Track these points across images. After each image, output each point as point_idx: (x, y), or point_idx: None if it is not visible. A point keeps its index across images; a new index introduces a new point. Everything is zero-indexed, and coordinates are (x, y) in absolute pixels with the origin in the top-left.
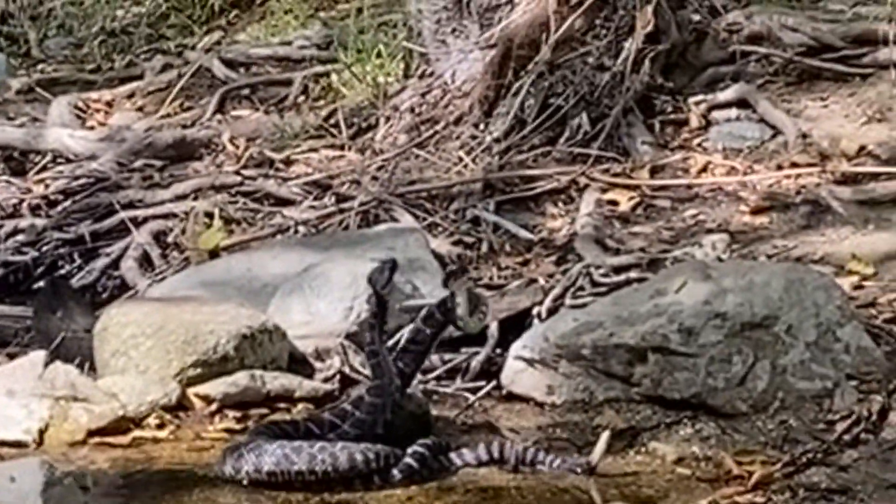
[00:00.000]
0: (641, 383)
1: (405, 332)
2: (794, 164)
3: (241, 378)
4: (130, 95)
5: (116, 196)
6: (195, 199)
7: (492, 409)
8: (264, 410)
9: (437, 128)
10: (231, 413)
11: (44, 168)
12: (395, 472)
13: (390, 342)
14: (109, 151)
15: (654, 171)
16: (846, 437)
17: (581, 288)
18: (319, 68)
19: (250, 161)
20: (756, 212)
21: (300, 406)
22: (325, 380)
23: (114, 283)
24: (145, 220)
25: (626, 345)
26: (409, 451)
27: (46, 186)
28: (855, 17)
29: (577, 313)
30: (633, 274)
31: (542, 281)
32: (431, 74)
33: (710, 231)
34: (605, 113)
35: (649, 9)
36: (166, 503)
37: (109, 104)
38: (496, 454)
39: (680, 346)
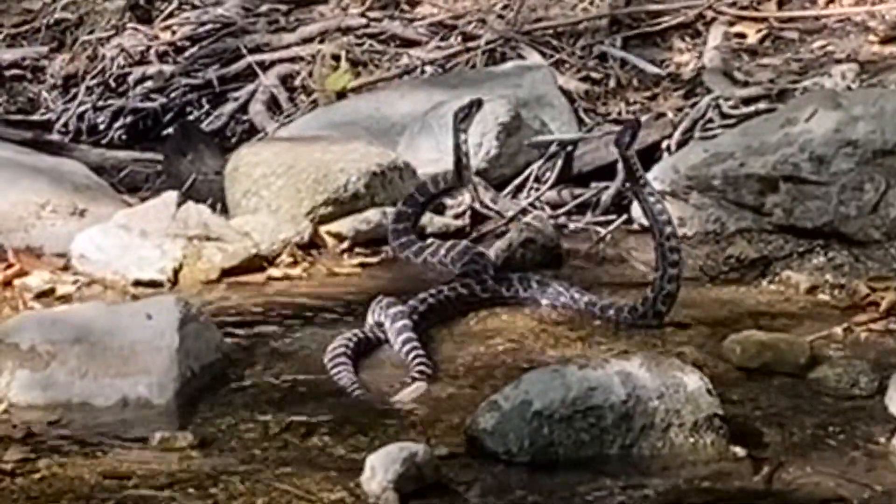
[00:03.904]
0: (773, 213)
1: None
2: None
3: (372, 215)
4: None
5: (243, 41)
6: (321, 41)
7: (622, 241)
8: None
9: None
10: (363, 249)
11: (170, 15)
12: None
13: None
14: None
15: (782, 3)
16: None
17: (710, 120)
18: None
19: (375, 3)
20: (885, 41)
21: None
22: (456, 216)
23: (242, 127)
24: (272, 63)
25: (756, 174)
26: None
27: (173, 33)
28: None
29: (706, 145)
30: (762, 105)
31: (670, 115)
32: None
33: (838, 62)
34: None
35: None
36: (302, 338)
37: None
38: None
39: (811, 175)
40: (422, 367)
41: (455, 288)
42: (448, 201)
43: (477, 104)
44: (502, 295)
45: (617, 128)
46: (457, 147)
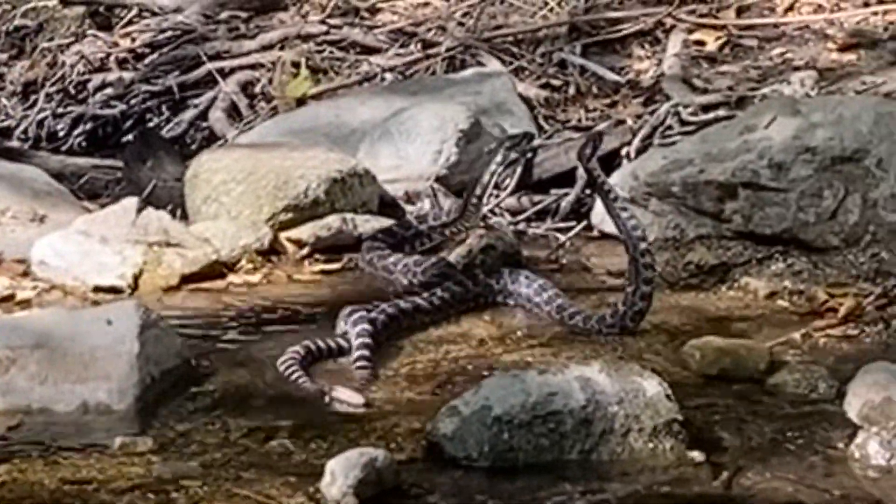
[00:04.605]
0: (732, 219)
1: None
2: (882, 1)
3: (332, 221)
4: None
5: (203, 48)
6: (281, 48)
7: (583, 248)
8: (356, 254)
9: None
10: (323, 256)
11: (130, 22)
12: None
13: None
14: (195, 4)
15: (741, 11)
16: None
17: (669, 127)
18: None
19: (335, 10)
20: (843, 49)
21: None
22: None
23: (202, 133)
24: (232, 70)
25: (715, 181)
26: None
27: (133, 40)
28: None
29: (665, 151)
30: (721, 112)
31: (629, 122)
32: None
33: (797, 69)
34: None
35: None
36: (262, 343)
37: None
38: None
39: (770, 182)
40: (363, 371)
41: (448, 287)
42: (407, 207)
43: (529, 137)
44: (493, 288)
45: (576, 135)
46: (483, 178)
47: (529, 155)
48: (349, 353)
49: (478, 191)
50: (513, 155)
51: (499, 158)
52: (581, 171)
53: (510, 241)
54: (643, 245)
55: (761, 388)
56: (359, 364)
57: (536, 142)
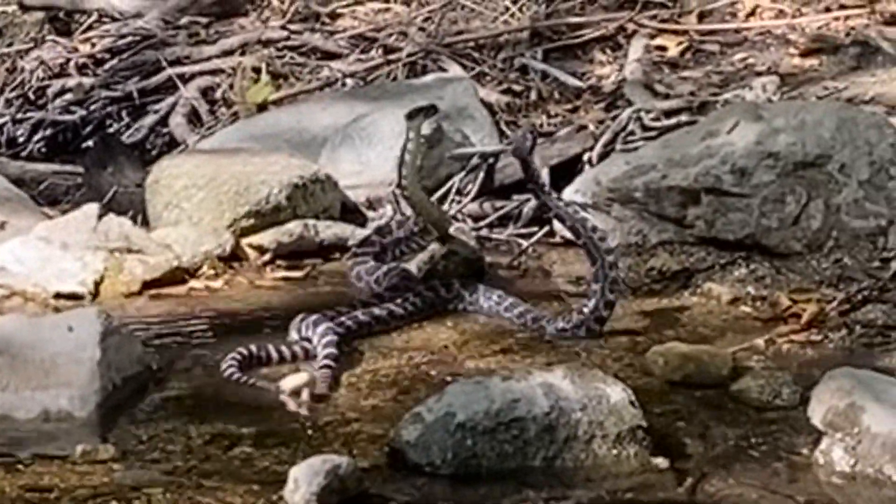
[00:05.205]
0: (694, 225)
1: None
2: (843, 6)
3: (294, 227)
4: None
5: (163, 53)
6: (242, 54)
7: (545, 254)
8: (317, 260)
9: None
10: (284, 262)
11: (90, 27)
12: None
13: (441, 191)
14: (155, 9)
15: (702, 16)
16: None
17: (631, 133)
18: None
19: (296, 15)
20: (805, 54)
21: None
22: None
23: (163, 139)
24: (192, 76)
25: (678, 187)
26: None
27: (93, 45)
28: None
29: (628, 157)
30: (683, 117)
31: (591, 127)
32: None
33: (759, 74)
34: None
35: None
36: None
37: None
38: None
39: (733, 187)
40: (325, 377)
41: (420, 293)
42: (369, 213)
43: (432, 110)
44: (464, 299)
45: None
46: (406, 158)
47: (492, 161)
48: (295, 360)
49: (404, 171)
50: (424, 128)
51: (411, 135)
52: (523, 170)
53: (472, 247)
54: (590, 223)
55: (725, 394)
56: (323, 363)
57: (498, 147)
